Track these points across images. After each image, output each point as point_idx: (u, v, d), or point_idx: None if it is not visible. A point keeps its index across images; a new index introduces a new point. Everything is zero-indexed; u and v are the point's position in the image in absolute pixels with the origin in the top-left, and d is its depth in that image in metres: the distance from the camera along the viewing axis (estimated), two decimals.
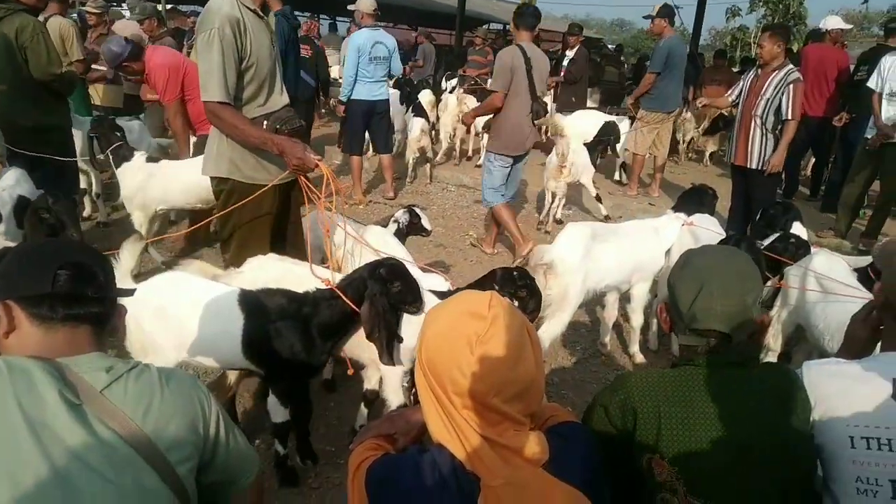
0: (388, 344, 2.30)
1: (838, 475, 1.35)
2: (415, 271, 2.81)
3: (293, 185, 2.88)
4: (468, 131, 8.44)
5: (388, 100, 6.60)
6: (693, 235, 3.53)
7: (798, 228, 3.71)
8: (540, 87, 4.89)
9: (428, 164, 7.72)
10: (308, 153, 2.61)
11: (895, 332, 1.43)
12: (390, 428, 1.38)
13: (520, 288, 2.54)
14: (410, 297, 2.30)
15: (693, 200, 3.95)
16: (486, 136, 8.01)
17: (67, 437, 1.08)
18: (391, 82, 6.88)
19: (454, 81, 8.87)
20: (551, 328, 3.29)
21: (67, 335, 1.20)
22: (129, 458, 1.13)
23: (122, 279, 2.18)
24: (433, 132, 8.79)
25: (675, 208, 3.99)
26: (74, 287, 1.20)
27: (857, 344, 1.64)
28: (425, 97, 8.52)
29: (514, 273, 2.61)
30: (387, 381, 2.61)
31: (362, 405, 2.79)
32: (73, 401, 1.12)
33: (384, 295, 2.25)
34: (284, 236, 3.04)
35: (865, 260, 3.27)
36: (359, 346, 2.56)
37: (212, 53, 2.55)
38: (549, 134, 8.86)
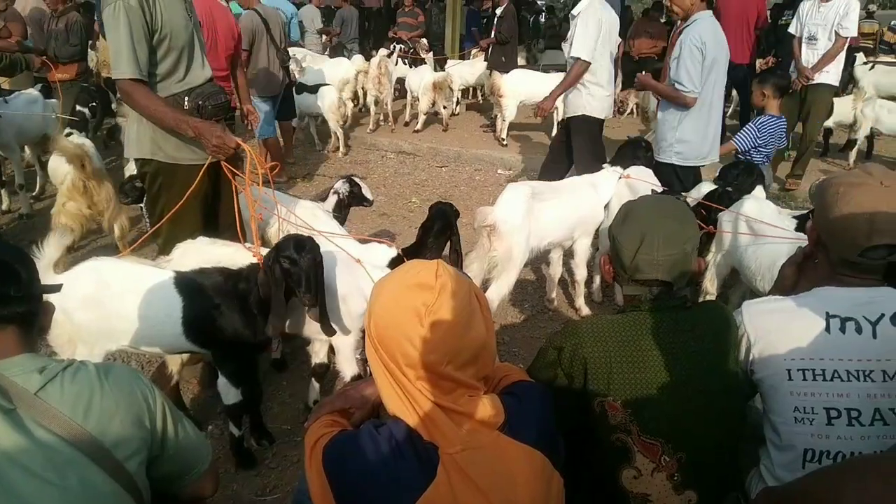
0: (323, 314, 2.30)
1: (777, 406, 1.43)
2: (350, 244, 2.79)
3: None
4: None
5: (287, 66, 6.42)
6: (630, 188, 3.59)
7: (759, 192, 3.49)
8: None
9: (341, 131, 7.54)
10: (227, 134, 2.50)
11: (827, 267, 1.50)
12: (345, 402, 1.37)
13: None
14: (297, 275, 2.19)
15: (628, 154, 4.00)
16: (424, 100, 7.97)
17: (3, 443, 1.04)
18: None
19: (384, 50, 8.65)
20: (499, 288, 3.33)
21: None
22: (71, 458, 1.09)
23: (45, 273, 2.06)
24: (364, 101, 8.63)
25: (612, 162, 4.05)
26: None
27: (787, 281, 1.72)
28: (353, 64, 8.32)
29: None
30: (339, 352, 2.60)
31: (313, 380, 2.77)
32: (6, 406, 1.07)
33: (278, 263, 2.19)
34: (217, 217, 2.92)
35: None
36: (300, 321, 2.53)
37: (119, 28, 2.39)
38: (487, 93, 8.85)
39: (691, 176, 3.99)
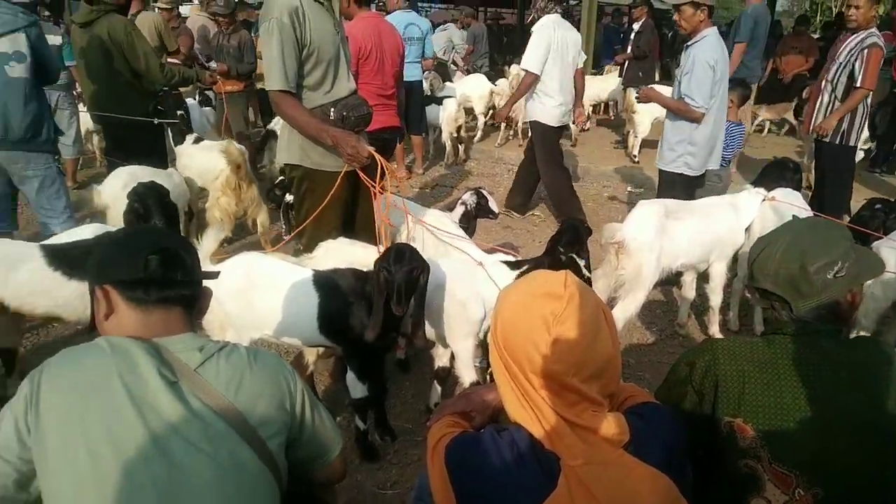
0: (416, 324, 2.34)
1: None
2: (476, 253, 2.84)
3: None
4: None
5: (421, 81, 6.68)
6: (776, 211, 3.37)
7: None
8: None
9: (462, 145, 7.73)
10: (361, 143, 2.64)
11: None
12: (466, 405, 1.40)
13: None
14: (392, 285, 2.23)
15: (774, 175, 3.76)
16: None
17: (166, 413, 1.15)
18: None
19: (517, 67, 8.73)
20: (626, 308, 3.24)
21: (161, 317, 1.27)
22: (223, 432, 1.18)
23: (202, 263, 2.29)
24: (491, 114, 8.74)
25: (756, 183, 3.82)
26: (164, 271, 1.26)
27: None
28: (479, 83, 8.44)
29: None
30: (458, 358, 2.65)
31: (435, 383, 2.84)
32: (171, 378, 1.18)
33: (380, 271, 2.25)
34: (354, 221, 3.10)
35: None
36: (432, 323, 2.61)
37: (272, 43, 2.59)
38: (620, 109, 8.65)
39: (694, 184, 4.17)
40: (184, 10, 7.34)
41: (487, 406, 1.38)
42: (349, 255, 2.70)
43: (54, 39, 5.45)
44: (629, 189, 6.82)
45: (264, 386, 1.28)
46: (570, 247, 2.67)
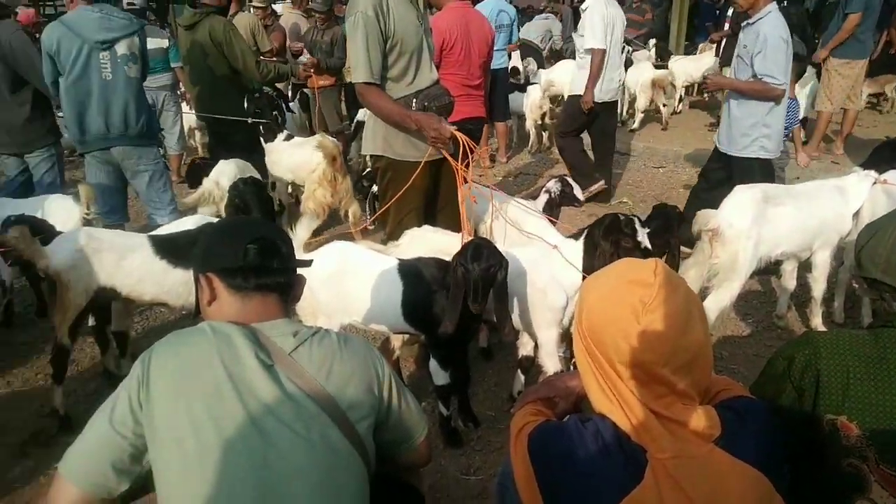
0: (501, 320, 2.32)
1: None
2: (554, 237, 2.80)
3: (444, 161, 2.96)
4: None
5: (507, 68, 6.62)
6: (888, 195, 3.11)
7: None
8: None
9: (546, 132, 7.58)
10: (443, 124, 2.68)
11: None
12: (549, 391, 1.40)
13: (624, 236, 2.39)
14: (469, 282, 2.23)
15: (886, 156, 3.48)
16: (641, 98, 7.69)
17: (263, 394, 1.21)
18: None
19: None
20: (719, 299, 3.09)
21: (259, 303, 1.34)
22: (315, 414, 1.23)
23: (297, 251, 2.39)
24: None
25: (865, 165, 3.54)
26: (262, 260, 1.33)
27: None
28: (567, 69, 8.27)
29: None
30: (541, 346, 2.63)
31: (519, 372, 2.83)
32: (267, 361, 1.25)
33: (458, 266, 2.25)
34: (437, 209, 3.14)
35: None
36: (513, 312, 2.60)
37: (357, 36, 2.67)
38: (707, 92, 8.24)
39: (772, 167, 4.02)
40: (277, 7, 7.61)
41: (571, 392, 1.37)
42: (433, 242, 2.76)
43: (161, 42, 5.83)
44: None
45: (354, 370, 1.33)
46: (658, 236, 2.57)
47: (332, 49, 6.24)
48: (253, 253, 1.33)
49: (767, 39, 3.65)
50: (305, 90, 6.49)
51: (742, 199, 3.09)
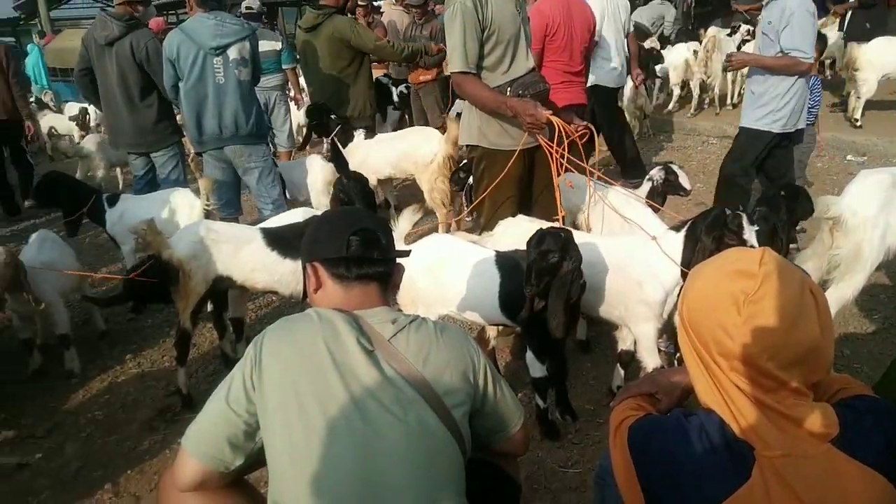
0: (551, 315, 2.26)
1: None
2: (653, 227, 2.72)
3: (538, 149, 2.93)
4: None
5: None
6: None
7: None
8: None
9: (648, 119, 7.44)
10: (539, 109, 2.66)
11: None
12: (652, 387, 1.36)
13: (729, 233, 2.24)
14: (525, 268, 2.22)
15: None
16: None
17: (364, 378, 1.26)
18: None
19: (715, 29, 8.01)
20: (840, 292, 2.86)
21: (360, 291, 1.40)
22: (413, 398, 1.27)
23: (398, 242, 2.46)
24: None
25: None
26: (364, 250, 1.39)
27: None
28: (675, 54, 7.94)
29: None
30: (640, 341, 2.56)
31: (618, 366, 2.77)
32: (368, 347, 1.29)
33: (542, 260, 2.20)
34: (531, 198, 3.13)
35: None
36: (608, 305, 2.55)
37: (455, 27, 2.72)
38: (839, 66, 7.62)
39: (790, 151, 4.05)
40: (380, 4, 7.84)
41: (675, 388, 1.32)
42: (527, 232, 2.73)
43: (274, 45, 6.13)
44: (848, 157, 6.01)
45: (450, 357, 1.35)
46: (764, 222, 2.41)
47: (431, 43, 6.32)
48: (355, 244, 1.39)
49: (794, 13, 3.60)
50: (405, 87, 6.62)
51: (868, 185, 2.84)
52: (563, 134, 2.70)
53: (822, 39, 4.86)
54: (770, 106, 3.82)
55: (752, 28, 8.25)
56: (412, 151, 4.66)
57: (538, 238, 2.23)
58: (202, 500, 1.31)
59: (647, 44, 7.92)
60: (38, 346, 3.35)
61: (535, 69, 2.98)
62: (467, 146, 3.12)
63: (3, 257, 2.87)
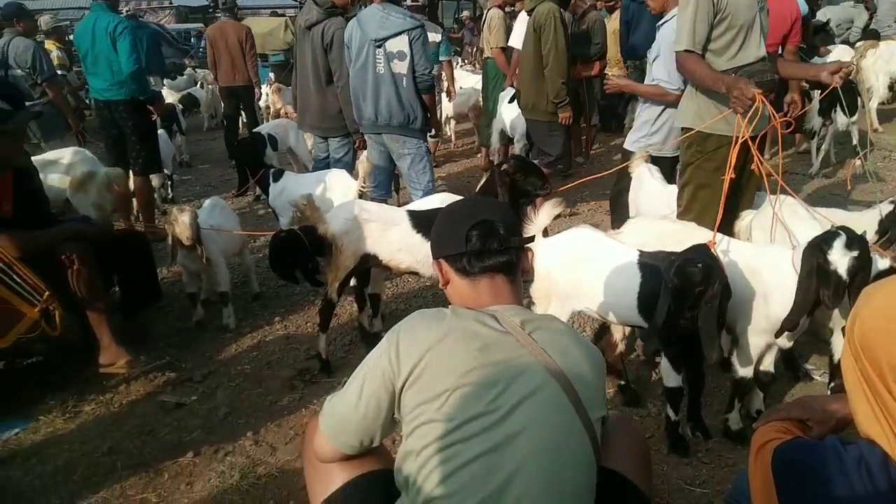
0: (708, 340, 2.17)
1: None
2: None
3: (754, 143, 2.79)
4: None
5: None
6: None
7: None
8: None
9: None
10: (748, 86, 2.62)
11: None
12: (802, 413, 1.27)
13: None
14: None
15: None
16: None
17: (501, 363, 1.27)
18: None
19: None
20: None
21: (488, 284, 1.43)
22: (547, 382, 1.26)
23: (537, 235, 2.45)
24: None
25: None
26: (483, 243, 1.40)
27: None
28: None
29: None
30: (740, 347, 2.47)
31: (757, 388, 2.58)
32: (503, 330, 1.32)
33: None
34: (739, 192, 3.03)
35: None
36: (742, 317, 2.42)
37: (688, 7, 2.82)
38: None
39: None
40: None
41: (830, 417, 1.23)
42: (660, 230, 2.72)
43: (434, 36, 6.28)
44: None
45: (586, 358, 1.35)
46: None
47: (588, 36, 6.19)
48: (474, 238, 1.40)
49: (663, 44, 3.50)
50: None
51: None
52: (772, 116, 2.66)
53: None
54: (643, 131, 3.78)
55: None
56: None
57: (678, 269, 2.15)
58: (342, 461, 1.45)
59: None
60: (201, 300, 3.73)
61: (766, 58, 2.93)
62: (683, 129, 3.11)
63: (189, 216, 3.24)
